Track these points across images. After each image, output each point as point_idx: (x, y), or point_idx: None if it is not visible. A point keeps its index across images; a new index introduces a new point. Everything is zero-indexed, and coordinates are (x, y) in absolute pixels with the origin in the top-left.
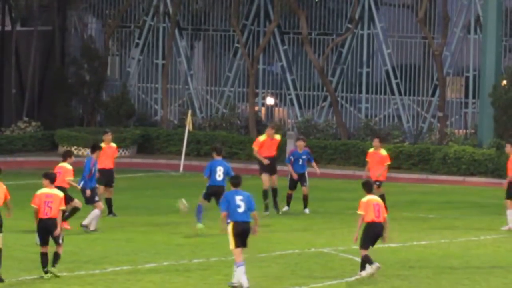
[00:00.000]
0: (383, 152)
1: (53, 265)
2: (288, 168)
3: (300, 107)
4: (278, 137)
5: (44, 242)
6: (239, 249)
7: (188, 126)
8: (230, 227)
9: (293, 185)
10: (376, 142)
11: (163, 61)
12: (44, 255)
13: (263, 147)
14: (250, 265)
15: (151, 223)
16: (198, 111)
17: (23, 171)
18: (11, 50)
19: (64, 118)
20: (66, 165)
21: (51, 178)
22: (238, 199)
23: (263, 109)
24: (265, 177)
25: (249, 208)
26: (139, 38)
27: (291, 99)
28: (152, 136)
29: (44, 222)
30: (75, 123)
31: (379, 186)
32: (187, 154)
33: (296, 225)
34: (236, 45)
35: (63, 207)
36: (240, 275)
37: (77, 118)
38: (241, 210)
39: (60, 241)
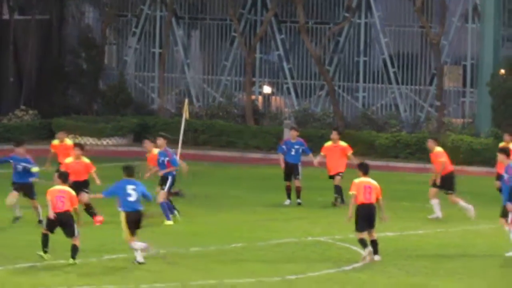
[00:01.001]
0: (343, 143)
1: (73, 258)
2: (279, 157)
3: (297, 96)
4: (342, 143)
5: (50, 229)
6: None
7: (185, 114)
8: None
9: (287, 176)
10: (334, 135)
11: (160, 50)
12: (45, 236)
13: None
14: (248, 253)
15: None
16: (195, 100)
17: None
18: (9, 39)
19: (61, 106)
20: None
21: (64, 178)
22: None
23: (260, 98)
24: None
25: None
26: (136, 27)
27: (288, 88)
28: (149, 125)
29: (58, 215)
30: (72, 111)
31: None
32: (184, 143)
33: (293, 214)
34: (233, 34)
35: (77, 204)
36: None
37: (74, 106)
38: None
39: (76, 233)
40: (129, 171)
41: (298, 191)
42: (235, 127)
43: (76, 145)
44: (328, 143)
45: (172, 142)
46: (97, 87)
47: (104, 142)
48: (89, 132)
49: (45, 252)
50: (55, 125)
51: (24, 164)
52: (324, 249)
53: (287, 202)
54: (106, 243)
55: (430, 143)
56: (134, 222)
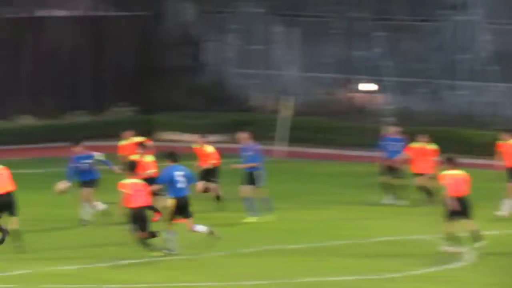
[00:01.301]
0: (430, 146)
1: (150, 249)
2: (379, 154)
3: (397, 94)
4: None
5: (139, 229)
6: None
7: (285, 112)
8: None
9: (386, 173)
10: (424, 137)
11: (259, 46)
12: (144, 239)
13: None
14: (347, 251)
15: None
16: (295, 97)
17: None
18: (108, 35)
19: (160, 103)
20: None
21: (132, 168)
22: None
23: (360, 95)
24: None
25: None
26: (235, 24)
27: (389, 86)
28: (248, 122)
29: (136, 209)
30: (171, 108)
31: None
32: (283, 140)
33: (390, 211)
34: (334, 31)
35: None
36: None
37: (173, 103)
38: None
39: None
40: (174, 157)
41: (394, 188)
42: (335, 124)
43: (138, 144)
44: (418, 144)
45: (271, 139)
46: (197, 83)
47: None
48: (187, 128)
49: (152, 250)
50: (154, 121)
51: (87, 160)
52: (423, 247)
53: (387, 199)
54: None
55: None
56: (184, 207)
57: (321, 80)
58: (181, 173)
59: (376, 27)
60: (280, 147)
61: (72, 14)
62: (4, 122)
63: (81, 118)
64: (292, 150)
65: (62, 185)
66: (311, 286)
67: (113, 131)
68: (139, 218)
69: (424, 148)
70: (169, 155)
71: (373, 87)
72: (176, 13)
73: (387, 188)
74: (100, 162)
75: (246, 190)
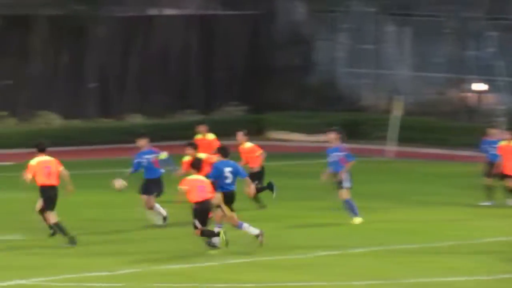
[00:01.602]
0: None
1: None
2: (483, 155)
3: (509, 94)
4: None
5: (203, 224)
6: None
7: (396, 111)
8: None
9: (490, 174)
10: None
11: (371, 46)
12: (206, 231)
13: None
14: (461, 250)
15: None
16: (406, 97)
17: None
18: (219, 34)
19: (270, 102)
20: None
21: (198, 166)
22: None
23: (472, 95)
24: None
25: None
26: (346, 23)
27: (501, 86)
28: (359, 121)
29: (201, 204)
30: (281, 107)
31: None
32: (394, 140)
33: (496, 212)
34: (446, 30)
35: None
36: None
37: (283, 102)
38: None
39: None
40: (225, 152)
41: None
42: (445, 124)
43: (190, 144)
44: (504, 142)
45: (382, 139)
46: (307, 83)
47: (313, 138)
48: (298, 128)
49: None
50: (264, 120)
51: (149, 156)
52: None
53: (489, 202)
54: (321, 238)
55: None
56: (229, 202)
57: (432, 80)
58: (230, 169)
59: (489, 27)
60: (391, 147)
61: (183, 13)
62: (113, 121)
63: (190, 117)
64: (402, 150)
65: (118, 183)
66: (423, 287)
67: (222, 130)
68: (202, 214)
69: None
70: (221, 150)
71: (484, 87)
72: (287, 12)
73: (490, 190)
74: (163, 162)
75: (343, 192)
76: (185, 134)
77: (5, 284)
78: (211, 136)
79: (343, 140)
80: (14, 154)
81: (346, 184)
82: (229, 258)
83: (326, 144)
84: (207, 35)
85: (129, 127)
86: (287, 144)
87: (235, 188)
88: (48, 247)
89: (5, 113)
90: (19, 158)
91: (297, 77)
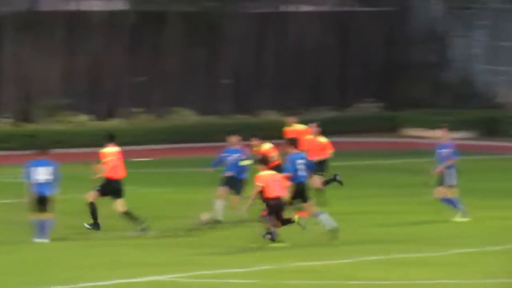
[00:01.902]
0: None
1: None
2: None
3: None
4: None
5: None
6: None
7: None
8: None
9: None
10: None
11: (509, 43)
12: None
13: None
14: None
15: (490, 207)
16: None
17: (362, 152)
18: (354, 31)
19: (405, 99)
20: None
21: (265, 163)
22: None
23: None
24: None
25: None
26: (483, 20)
27: None
28: (496, 119)
29: (275, 200)
30: (415, 104)
31: None
32: None
33: None
34: None
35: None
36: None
37: (418, 99)
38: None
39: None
40: (296, 144)
41: None
42: None
43: (290, 141)
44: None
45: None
46: (443, 79)
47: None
48: (431, 125)
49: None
50: (399, 118)
51: (233, 154)
52: None
53: None
54: (457, 234)
55: None
56: (302, 192)
57: None
58: (302, 160)
59: None
60: None
61: (318, 9)
62: (248, 117)
63: (325, 113)
64: None
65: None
66: None
67: (356, 128)
68: (276, 209)
69: None
70: (292, 142)
71: None
72: (422, 9)
73: None
74: (241, 167)
75: (440, 191)
76: (230, 128)
77: (141, 280)
78: (300, 127)
79: (481, 137)
80: (152, 150)
81: (450, 181)
82: (362, 255)
83: (459, 142)
84: (342, 31)
85: (263, 123)
86: (420, 141)
87: (306, 179)
88: (181, 245)
89: (140, 109)
90: (157, 154)
91: (432, 74)
